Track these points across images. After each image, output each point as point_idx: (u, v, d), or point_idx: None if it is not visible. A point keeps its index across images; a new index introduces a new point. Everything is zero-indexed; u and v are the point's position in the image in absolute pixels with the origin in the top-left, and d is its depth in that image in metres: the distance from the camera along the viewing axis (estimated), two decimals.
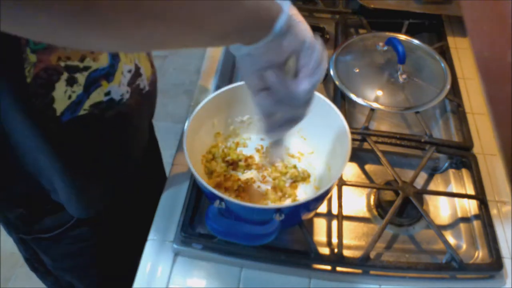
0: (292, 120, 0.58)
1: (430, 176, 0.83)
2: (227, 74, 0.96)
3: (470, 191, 0.79)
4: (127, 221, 0.87)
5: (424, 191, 0.80)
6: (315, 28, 1.03)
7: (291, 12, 0.50)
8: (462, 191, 0.80)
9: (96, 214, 0.80)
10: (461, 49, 1.04)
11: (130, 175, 0.83)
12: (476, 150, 0.84)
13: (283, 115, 0.57)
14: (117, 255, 0.90)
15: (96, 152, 0.74)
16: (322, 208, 0.76)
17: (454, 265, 0.68)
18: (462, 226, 0.76)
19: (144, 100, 0.75)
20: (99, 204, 0.79)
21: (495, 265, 0.68)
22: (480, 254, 0.71)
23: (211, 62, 0.99)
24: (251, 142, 0.81)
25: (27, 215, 0.78)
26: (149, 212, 0.76)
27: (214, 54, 1.01)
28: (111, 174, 0.79)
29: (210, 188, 0.61)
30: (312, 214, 0.73)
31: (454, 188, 0.81)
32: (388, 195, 0.77)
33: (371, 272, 0.68)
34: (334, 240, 0.72)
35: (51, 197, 0.75)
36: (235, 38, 0.49)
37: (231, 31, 0.47)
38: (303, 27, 0.52)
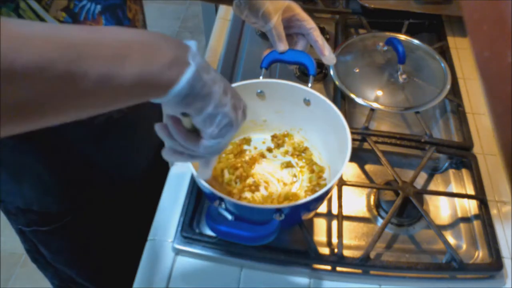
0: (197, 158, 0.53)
1: (430, 176, 0.83)
2: (227, 74, 0.96)
3: (470, 191, 0.79)
4: (126, 220, 0.88)
5: (424, 191, 0.80)
6: None
7: (198, 69, 0.43)
8: (462, 191, 0.80)
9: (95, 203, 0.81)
10: (461, 49, 1.04)
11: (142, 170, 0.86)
12: (476, 150, 0.84)
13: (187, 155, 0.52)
14: (116, 253, 0.91)
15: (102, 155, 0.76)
16: (322, 208, 0.76)
17: (454, 265, 0.68)
18: (462, 226, 0.76)
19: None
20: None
21: (495, 265, 0.68)
22: (480, 254, 0.71)
23: (211, 61, 0.99)
24: (252, 142, 0.81)
25: (26, 207, 0.79)
26: (149, 212, 0.76)
27: (214, 54, 1.01)
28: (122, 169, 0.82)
29: (210, 188, 0.61)
30: (312, 214, 0.73)
31: (454, 188, 0.81)
32: (388, 195, 0.77)
33: (371, 272, 0.68)
34: (334, 240, 0.72)
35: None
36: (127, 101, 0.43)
37: (120, 101, 0.42)
38: (210, 90, 0.45)
